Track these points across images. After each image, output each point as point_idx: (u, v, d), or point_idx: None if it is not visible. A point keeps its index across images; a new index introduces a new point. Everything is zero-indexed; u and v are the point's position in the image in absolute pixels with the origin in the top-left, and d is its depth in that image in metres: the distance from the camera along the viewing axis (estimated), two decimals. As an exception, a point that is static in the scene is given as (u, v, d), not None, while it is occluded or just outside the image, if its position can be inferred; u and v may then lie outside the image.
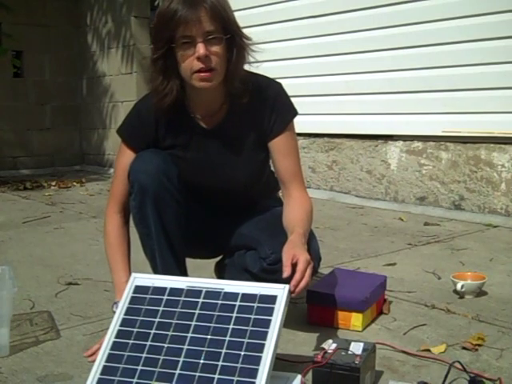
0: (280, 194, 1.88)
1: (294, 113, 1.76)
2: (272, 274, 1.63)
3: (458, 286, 2.11)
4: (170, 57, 1.59)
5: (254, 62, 1.68)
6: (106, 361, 1.30)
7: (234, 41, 1.60)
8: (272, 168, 1.85)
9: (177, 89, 1.63)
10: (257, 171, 1.81)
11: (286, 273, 1.40)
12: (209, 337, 1.29)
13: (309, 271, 1.42)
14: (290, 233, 1.59)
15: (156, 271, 1.74)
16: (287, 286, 1.34)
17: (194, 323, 1.32)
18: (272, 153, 1.75)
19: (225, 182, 1.78)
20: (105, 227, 1.77)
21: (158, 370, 1.26)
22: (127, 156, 1.74)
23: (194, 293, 1.38)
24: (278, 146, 1.73)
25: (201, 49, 1.53)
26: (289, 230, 1.63)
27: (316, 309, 1.89)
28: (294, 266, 1.42)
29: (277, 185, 1.85)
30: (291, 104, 1.77)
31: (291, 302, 1.38)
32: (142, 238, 1.74)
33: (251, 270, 1.73)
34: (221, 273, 1.94)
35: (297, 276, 1.40)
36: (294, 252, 1.46)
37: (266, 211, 1.87)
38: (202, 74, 1.56)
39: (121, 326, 1.36)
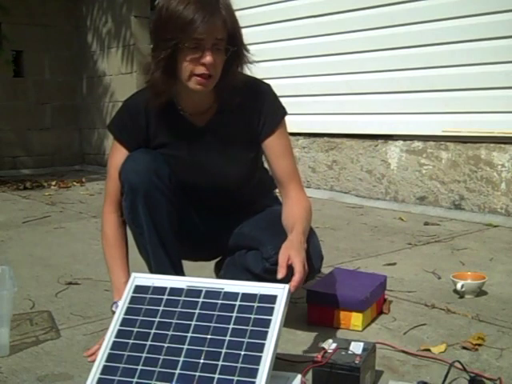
0: (277, 192, 1.88)
1: (283, 112, 1.76)
2: (275, 274, 1.63)
3: (458, 286, 2.11)
4: (173, 56, 1.58)
5: (254, 62, 1.68)
6: (106, 360, 1.30)
7: (237, 53, 1.61)
8: (266, 166, 1.85)
9: (173, 87, 1.64)
10: (248, 169, 1.81)
11: (281, 274, 1.42)
12: (209, 336, 1.29)
13: (305, 271, 1.44)
14: (290, 230, 1.59)
15: (151, 271, 1.74)
16: (287, 286, 1.34)
17: (193, 323, 1.32)
18: (266, 154, 1.75)
19: (216, 179, 1.78)
20: (102, 228, 1.77)
21: (157, 369, 1.26)
22: (119, 154, 1.74)
23: (194, 292, 1.38)
24: (270, 146, 1.74)
25: (208, 56, 1.54)
26: (288, 228, 1.62)
27: (316, 309, 1.89)
28: (289, 266, 1.44)
29: (272, 183, 1.84)
30: (279, 104, 1.77)
31: (291, 301, 1.38)
32: (136, 237, 1.74)
33: (253, 270, 1.71)
34: (221, 272, 1.93)
35: (296, 277, 1.40)
36: (289, 253, 1.47)
37: (264, 211, 1.87)
38: (201, 80, 1.57)
39: (121, 325, 1.36)
